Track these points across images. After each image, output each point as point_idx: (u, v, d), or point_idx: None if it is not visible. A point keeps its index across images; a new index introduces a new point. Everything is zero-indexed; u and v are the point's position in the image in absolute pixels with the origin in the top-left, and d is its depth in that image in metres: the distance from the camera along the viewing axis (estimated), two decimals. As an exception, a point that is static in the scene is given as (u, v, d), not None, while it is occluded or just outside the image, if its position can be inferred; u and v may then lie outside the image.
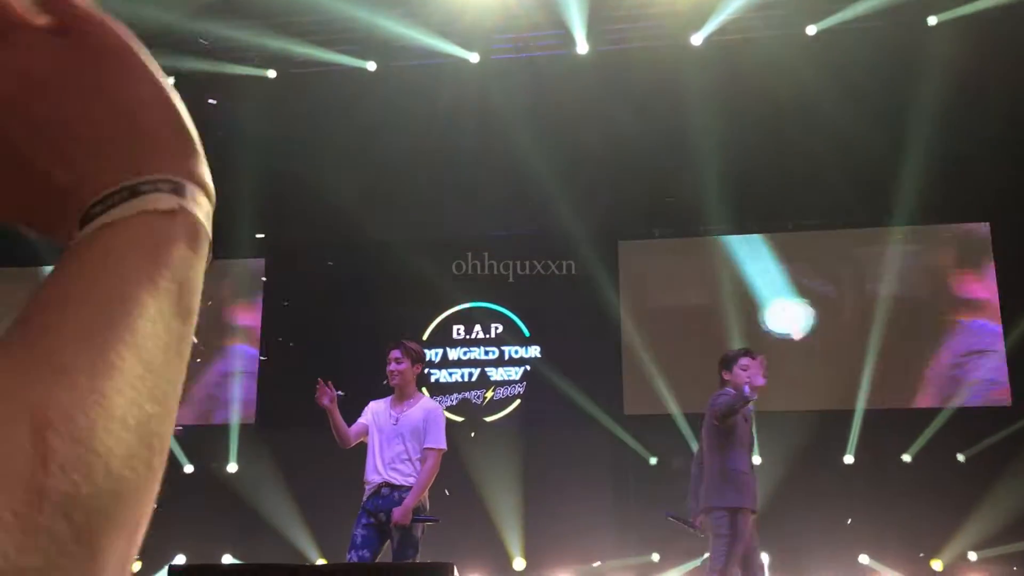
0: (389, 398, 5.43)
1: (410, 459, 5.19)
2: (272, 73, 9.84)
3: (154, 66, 0.48)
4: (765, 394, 9.21)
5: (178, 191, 0.46)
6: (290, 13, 9.16)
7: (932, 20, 8.89)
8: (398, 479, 5.16)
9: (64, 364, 0.37)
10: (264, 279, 10.12)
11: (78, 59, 0.46)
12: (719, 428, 5.67)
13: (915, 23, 8.93)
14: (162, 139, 0.47)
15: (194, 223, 0.46)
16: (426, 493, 5.20)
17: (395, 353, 5.39)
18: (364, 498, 5.25)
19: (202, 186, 0.48)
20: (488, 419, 9.62)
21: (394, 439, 5.22)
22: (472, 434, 9.32)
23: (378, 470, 5.21)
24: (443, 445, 5.23)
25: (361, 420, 5.39)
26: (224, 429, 9.72)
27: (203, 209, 0.47)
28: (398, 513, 5.01)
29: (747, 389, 5.44)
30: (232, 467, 9.66)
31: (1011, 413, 8.70)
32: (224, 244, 10.12)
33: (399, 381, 5.35)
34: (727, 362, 5.85)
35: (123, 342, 0.39)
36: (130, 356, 0.39)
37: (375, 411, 5.39)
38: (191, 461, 9.70)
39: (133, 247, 0.43)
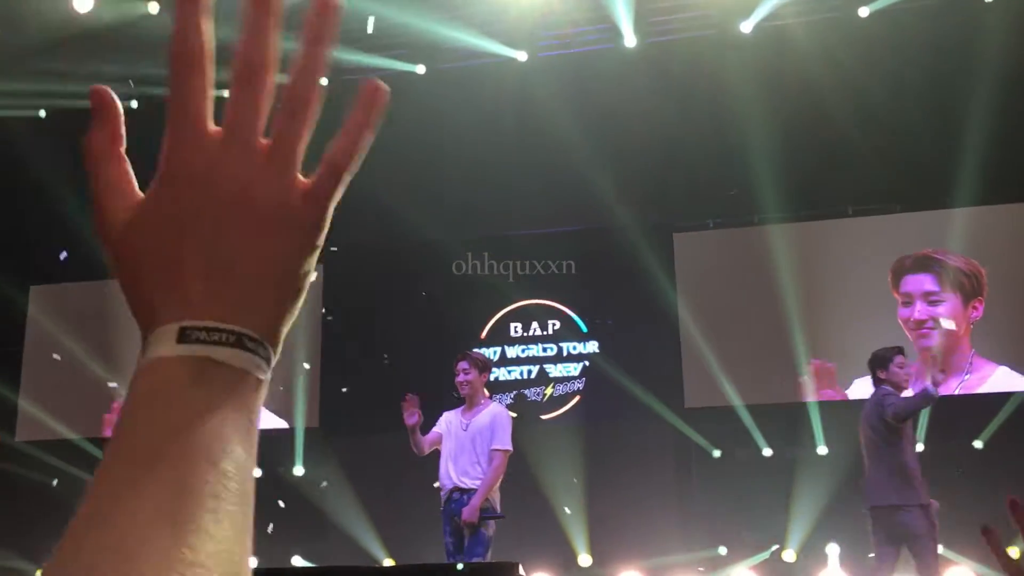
0: (461, 407, 5.68)
1: (479, 462, 5.42)
2: (323, 81, 9.95)
3: None
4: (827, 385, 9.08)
5: (269, 360, 0.47)
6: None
7: (989, -5, 8.65)
8: (468, 483, 5.39)
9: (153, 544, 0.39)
10: (322, 283, 10.26)
11: None
12: (891, 426, 5.84)
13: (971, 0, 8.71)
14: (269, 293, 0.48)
15: (260, 391, 0.47)
16: (496, 493, 5.39)
17: (463, 365, 5.66)
18: (441, 504, 5.51)
19: (279, 345, 0.49)
20: (546, 416, 9.63)
21: (465, 444, 5.47)
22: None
23: (450, 475, 5.47)
24: (509, 446, 5.44)
25: (435, 430, 5.66)
26: (290, 433, 9.88)
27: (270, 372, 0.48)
28: (466, 512, 5.24)
29: (930, 388, 5.61)
30: (299, 470, 9.82)
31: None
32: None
33: (469, 391, 5.62)
34: (882, 361, 6.02)
35: (197, 527, 0.41)
36: (200, 541, 0.41)
37: (448, 420, 5.65)
38: (259, 465, 9.86)
39: (228, 414, 0.45)
